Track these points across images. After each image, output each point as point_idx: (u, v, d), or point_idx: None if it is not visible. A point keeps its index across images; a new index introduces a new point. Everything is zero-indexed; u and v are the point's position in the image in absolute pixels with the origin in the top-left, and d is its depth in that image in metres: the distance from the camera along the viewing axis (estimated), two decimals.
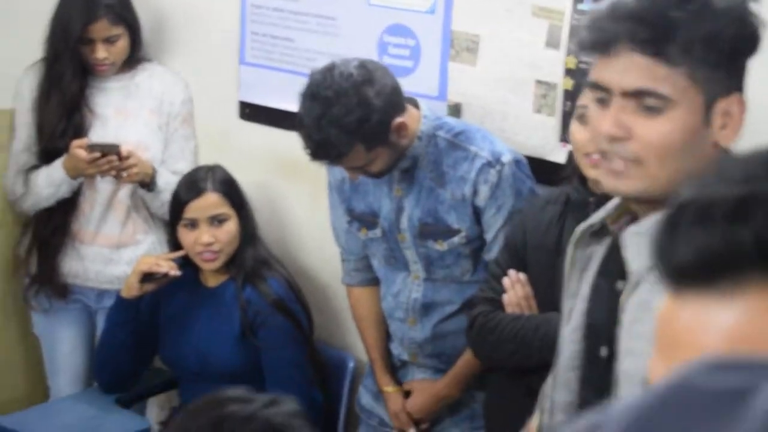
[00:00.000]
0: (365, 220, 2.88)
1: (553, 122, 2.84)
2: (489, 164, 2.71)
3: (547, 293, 2.43)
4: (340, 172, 2.85)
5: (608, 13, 1.65)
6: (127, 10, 3.20)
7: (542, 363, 2.30)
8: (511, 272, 2.47)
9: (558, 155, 2.77)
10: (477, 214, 2.75)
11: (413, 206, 2.80)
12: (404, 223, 2.81)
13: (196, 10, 3.40)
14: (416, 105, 2.74)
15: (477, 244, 2.77)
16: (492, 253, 2.73)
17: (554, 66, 2.83)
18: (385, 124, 2.61)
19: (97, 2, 3.08)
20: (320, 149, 2.62)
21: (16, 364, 3.50)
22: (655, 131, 1.62)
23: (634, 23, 1.59)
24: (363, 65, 2.60)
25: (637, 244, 1.70)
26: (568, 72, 2.82)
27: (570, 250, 1.96)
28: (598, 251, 1.83)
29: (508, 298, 2.47)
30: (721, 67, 1.64)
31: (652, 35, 1.58)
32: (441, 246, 2.78)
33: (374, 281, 2.97)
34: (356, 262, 2.98)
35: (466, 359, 2.77)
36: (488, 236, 2.74)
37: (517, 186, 2.74)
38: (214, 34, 3.37)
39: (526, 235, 2.54)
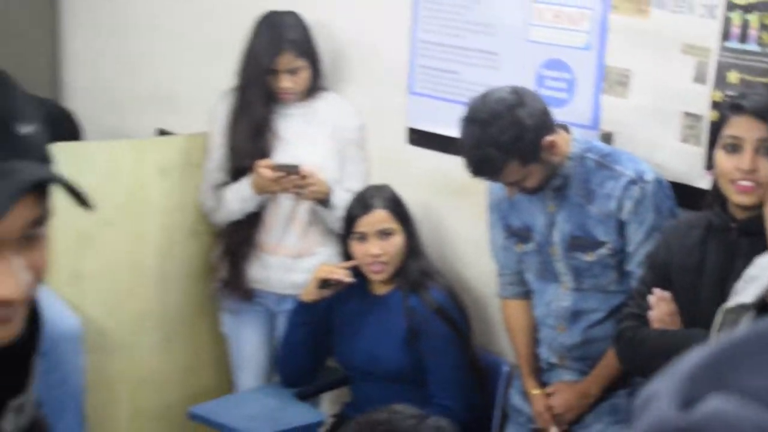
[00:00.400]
0: (521, 235, 2.96)
1: (700, 151, 2.91)
2: (633, 182, 2.78)
3: (690, 311, 2.50)
4: (499, 191, 2.95)
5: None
6: (309, 44, 3.38)
7: None
8: (657, 291, 2.51)
9: (703, 182, 2.82)
10: (621, 228, 2.81)
11: (564, 221, 2.87)
12: (556, 236, 2.89)
13: (369, 45, 3.54)
14: (567, 129, 2.84)
15: (621, 256, 2.83)
16: (632, 265, 2.80)
17: (701, 99, 2.91)
18: (536, 142, 2.71)
19: (284, 38, 3.27)
20: (480, 167, 2.74)
21: (207, 360, 3.69)
22: None
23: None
24: (515, 90, 2.73)
25: None
26: (714, 105, 2.87)
27: (719, 317, 2.06)
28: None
29: (654, 315, 2.52)
30: None
31: None
32: (589, 257, 2.85)
33: (526, 294, 3.06)
34: (511, 277, 3.06)
35: (609, 361, 2.83)
36: (630, 248, 2.80)
37: (657, 203, 2.80)
38: (385, 67, 3.49)
39: (670, 256, 2.57)
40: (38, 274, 1.25)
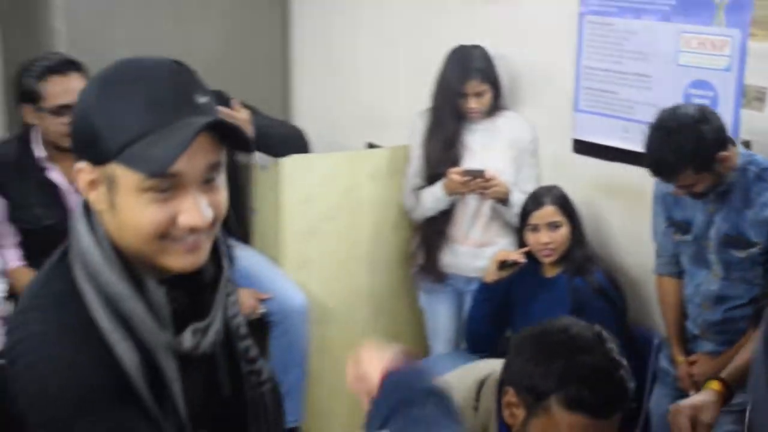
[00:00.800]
0: (680, 226, 3.00)
1: None
2: None
3: None
4: (665, 187, 2.97)
5: None
6: (492, 72, 3.56)
7: None
8: None
9: None
10: None
11: (722, 221, 2.89)
12: (712, 233, 2.91)
13: (542, 71, 3.65)
14: (733, 143, 2.85)
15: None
16: None
17: None
18: (712, 155, 2.73)
19: (471, 67, 3.46)
20: (659, 168, 2.78)
21: (407, 330, 3.93)
22: None
23: None
24: (701, 108, 2.78)
25: None
26: None
27: None
28: None
29: None
30: None
31: None
32: (741, 254, 2.87)
33: (679, 274, 3.10)
34: (668, 258, 3.11)
35: (745, 340, 2.80)
36: None
37: None
38: (555, 88, 3.60)
39: None
40: (218, 213, 1.37)
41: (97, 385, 1.37)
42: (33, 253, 3.20)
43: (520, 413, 1.96)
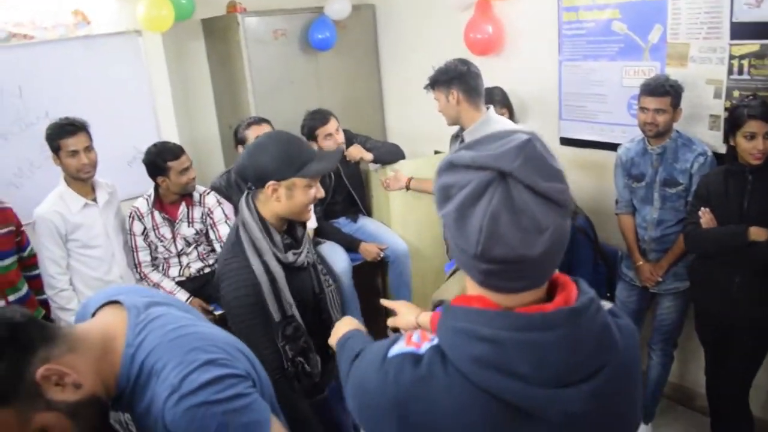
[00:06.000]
0: (637, 178, 2.98)
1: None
2: (700, 154, 2.79)
3: (721, 218, 2.65)
4: (623, 156, 2.98)
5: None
6: (507, 100, 3.45)
7: (728, 251, 2.59)
8: (703, 208, 2.69)
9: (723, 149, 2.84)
10: (691, 177, 2.82)
11: (662, 171, 2.88)
12: (657, 179, 2.92)
13: (538, 97, 3.59)
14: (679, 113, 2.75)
15: (688, 192, 2.87)
16: (691, 196, 2.81)
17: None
18: (679, 101, 2.77)
19: (495, 99, 3.28)
20: (656, 87, 2.77)
21: None
22: None
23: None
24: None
25: None
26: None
27: None
28: None
29: (702, 221, 2.68)
30: None
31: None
32: (672, 190, 2.89)
33: (632, 211, 3.07)
34: (625, 202, 3.08)
35: (675, 249, 2.95)
36: (692, 189, 2.81)
37: (709, 165, 2.78)
38: (547, 107, 3.55)
39: (708, 188, 2.68)
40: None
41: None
42: None
43: None
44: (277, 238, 1.93)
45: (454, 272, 2.13)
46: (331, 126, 3.51)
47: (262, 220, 1.91)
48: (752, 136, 2.52)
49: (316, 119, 3.53)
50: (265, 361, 1.73)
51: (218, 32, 4.32)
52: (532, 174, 0.88)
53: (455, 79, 2.85)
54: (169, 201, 3.23)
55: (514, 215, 0.87)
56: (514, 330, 0.88)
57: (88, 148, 2.91)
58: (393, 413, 0.95)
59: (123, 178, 3.51)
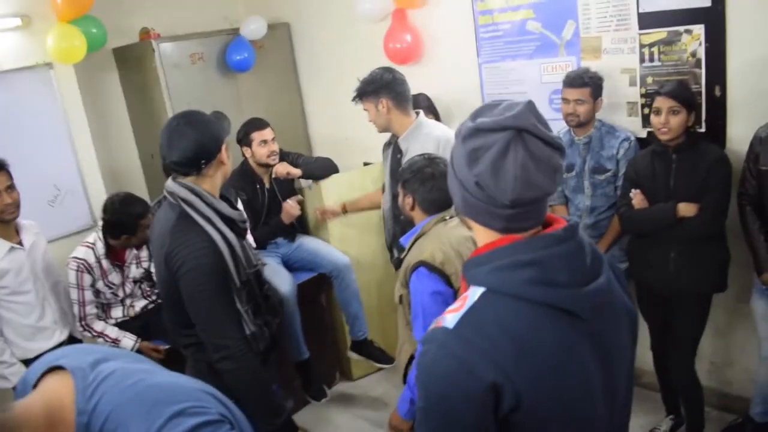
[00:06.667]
0: (567, 168, 3.02)
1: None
2: (625, 140, 2.88)
3: (652, 198, 2.73)
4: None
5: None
6: (432, 105, 3.50)
7: (661, 227, 2.65)
8: (634, 190, 2.77)
9: (643, 133, 2.97)
10: (617, 163, 2.93)
11: (590, 159, 2.97)
12: (585, 167, 3.00)
13: (460, 100, 3.60)
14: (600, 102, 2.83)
15: (616, 177, 2.95)
16: (620, 181, 2.90)
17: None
18: (599, 92, 2.86)
19: (420, 105, 3.28)
20: (575, 79, 2.85)
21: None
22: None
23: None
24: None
25: None
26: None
27: None
28: None
29: (634, 202, 2.76)
30: None
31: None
32: (601, 177, 2.98)
33: (565, 202, 3.14)
34: (557, 194, 3.10)
35: (609, 232, 3.02)
36: (619, 173, 2.92)
37: (634, 149, 2.87)
38: (469, 108, 3.62)
39: (636, 169, 2.76)
40: None
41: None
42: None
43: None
44: (222, 205, 1.98)
45: (414, 243, 2.18)
46: (268, 133, 3.49)
47: (202, 195, 1.96)
48: (658, 112, 2.61)
49: (252, 124, 3.51)
50: (228, 328, 1.83)
51: (132, 60, 4.23)
52: (542, 128, 1.06)
53: (383, 88, 2.88)
54: (120, 247, 3.13)
55: (537, 163, 1.05)
56: (547, 248, 1.06)
57: (10, 188, 2.78)
58: (487, 391, 1.04)
59: (45, 218, 3.37)
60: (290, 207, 3.54)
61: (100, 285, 3.10)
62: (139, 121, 4.40)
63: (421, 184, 2.17)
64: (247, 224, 2.10)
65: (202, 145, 1.96)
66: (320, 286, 3.85)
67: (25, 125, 3.63)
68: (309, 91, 4.73)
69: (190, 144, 1.94)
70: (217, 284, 1.89)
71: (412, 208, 2.18)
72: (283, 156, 3.68)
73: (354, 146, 4.41)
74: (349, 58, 4.28)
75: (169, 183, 1.99)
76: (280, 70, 4.64)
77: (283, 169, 3.53)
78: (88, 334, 3.10)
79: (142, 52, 4.10)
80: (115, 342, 3.10)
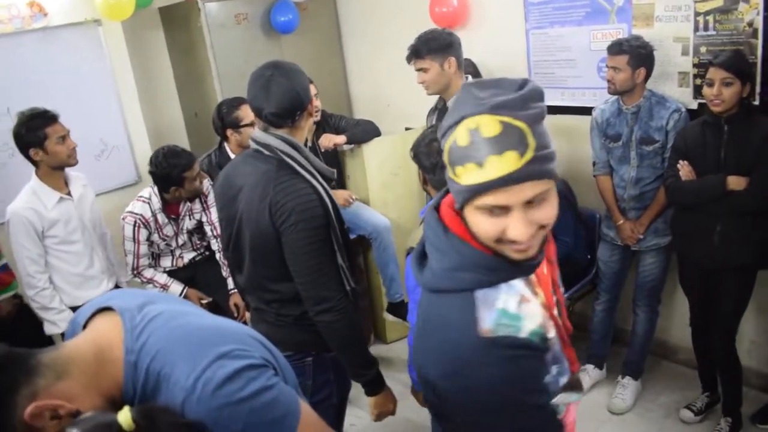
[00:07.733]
0: (613, 138, 3.00)
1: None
2: (675, 111, 2.83)
3: (700, 170, 2.70)
4: (598, 118, 3.00)
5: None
6: (478, 72, 3.44)
7: (708, 200, 2.63)
8: (681, 161, 2.74)
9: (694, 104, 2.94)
10: (667, 134, 2.85)
11: (637, 130, 2.92)
12: (633, 137, 2.94)
13: (508, 67, 3.57)
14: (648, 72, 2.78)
15: (664, 149, 2.89)
16: (668, 153, 2.85)
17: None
18: (645, 60, 2.78)
19: (466, 71, 3.02)
20: (621, 44, 2.79)
21: None
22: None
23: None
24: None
25: None
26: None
27: None
28: None
29: (682, 173, 2.73)
30: None
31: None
32: (649, 148, 2.92)
33: (610, 172, 3.10)
34: (602, 163, 3.09)
35: (654, 204, 2.99)
36: (668, 145, 2.84)
37: (684, 121, 2.81)
38: (517, 75, 3.44)
39: (686, 140, 2.72)
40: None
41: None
42: None
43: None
44: (314, 158, 1.93)
45: None
46: (312, 90, 3.43)
47: (299, 148, 1.89)
48: (710, 83, 2.56)
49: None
50: (333, 282, 1.83)
51: (178, 20, 4.25)
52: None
53: (450, 46, 2.77)
54: (174, 200, 3.17)
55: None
56: None
57: (68, 135, 2.84)
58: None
59: (91, 172, 3.39)
60: (339, 196, 3.52)
61: (155, 237, 3.16)
62: (183, 79, 4.44)
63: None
64: (335, 178, 2.04)
65: (297, 95, 1.91)
66: (359, 249, 3.86)
67: (74, 80, 3.70)
68: (351, 53, 4.71)
69: (287, 94, 1.88)
70: (325, 237, 1.85)
71: (425, 183, 2.06)
72: (326, 118, 3.67)
73: (395, 112, 4.39)
74: (393, 21, 4.26)
75: (261, 134, 1.91)
76: (324, 32, 4.64)
77: (327, 141, 3.53)
78: (138, 280, 3.18)
79: (187, 11, 4.13)
80: (164, 287, 3.18)
